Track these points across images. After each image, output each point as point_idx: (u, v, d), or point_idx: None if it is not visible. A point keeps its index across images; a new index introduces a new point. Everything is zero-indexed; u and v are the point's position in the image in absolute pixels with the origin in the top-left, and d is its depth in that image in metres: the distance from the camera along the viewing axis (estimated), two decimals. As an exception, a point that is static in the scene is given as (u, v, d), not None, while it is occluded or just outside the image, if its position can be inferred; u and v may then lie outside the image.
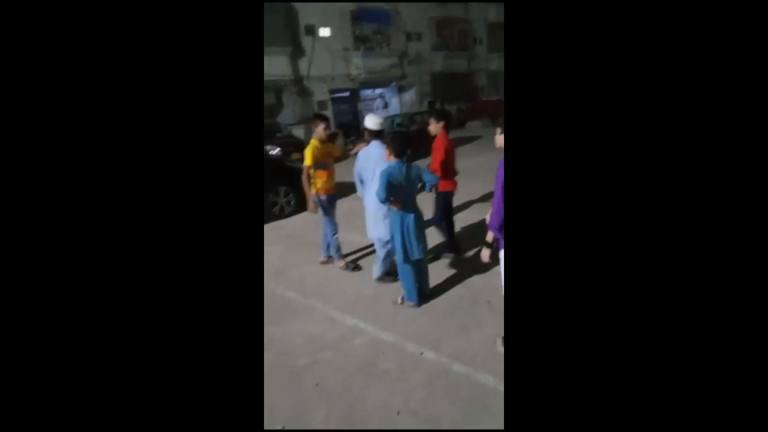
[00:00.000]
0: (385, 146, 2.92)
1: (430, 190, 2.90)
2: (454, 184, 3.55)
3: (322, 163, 3.49)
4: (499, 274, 2.47)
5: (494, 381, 2.07)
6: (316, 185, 3.50)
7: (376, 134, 3.23)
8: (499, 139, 2.17)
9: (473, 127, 16.04)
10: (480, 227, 4.35)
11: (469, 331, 2.54)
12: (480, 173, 6.92)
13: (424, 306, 2.89)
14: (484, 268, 3.34)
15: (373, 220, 3.20)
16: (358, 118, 15.87)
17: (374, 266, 3.39)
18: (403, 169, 2.68)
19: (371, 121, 3.28)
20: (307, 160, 3.44)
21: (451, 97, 18.82)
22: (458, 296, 3.01)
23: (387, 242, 3.09)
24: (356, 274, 3.59)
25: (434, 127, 3.49)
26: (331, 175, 3.58)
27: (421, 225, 2.81)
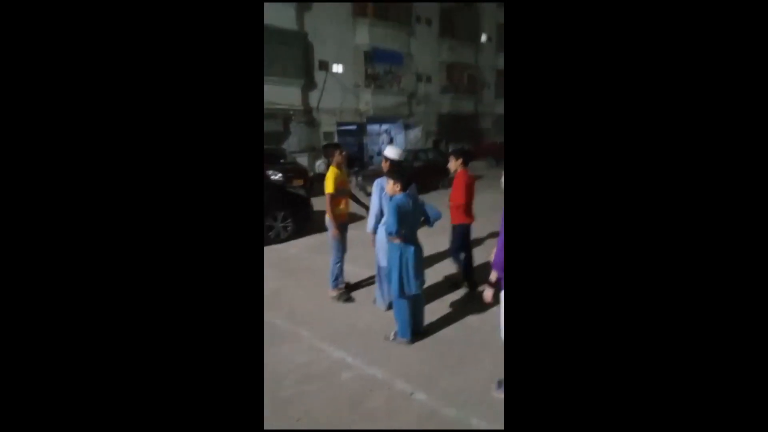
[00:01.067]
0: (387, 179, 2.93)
1: (432, 226, 2.88)
2: (472, 217, 3.61)
3: (339, 190, 3.50)
4: (498, 314, 2.40)
5: (488, 425, 1.95)
6: (330, 212, 3.48)
7: (397, 165, 3.25)
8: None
9: (477, 167, 16.30)
10: (479, 266, 4.29)
11: (463, 371, 2.44)
12: (483, 212, 6.93)
13: (417, 343, 2.79)
14: (481, 307, 3.26)
15: (382, 248, 3.17)
16: (363, 151, 16.16)
17: (377, 295, 3.33)
18: (410, 202, 2.68)
19: (392, 152, 3.32)
20: (329, 188, 3.43)
21: (457, 138, 19.29)
22: (453, 335, 2.91)
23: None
24: (350, 305, 3.50)
25: (453, 165, 3.60)
26: (346, 203, 3.59)
27: (420, 259, 2.77)
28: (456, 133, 19.77)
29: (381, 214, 3.21)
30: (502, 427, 1.93)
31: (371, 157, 17.08)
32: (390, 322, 2.96)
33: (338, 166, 3.52)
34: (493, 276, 2.13)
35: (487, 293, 2.18)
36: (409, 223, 2.67)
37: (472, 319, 3.12)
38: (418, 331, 2.86)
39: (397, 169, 2.77)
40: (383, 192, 3.17)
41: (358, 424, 2.02)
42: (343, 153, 3.56)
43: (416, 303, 2.84)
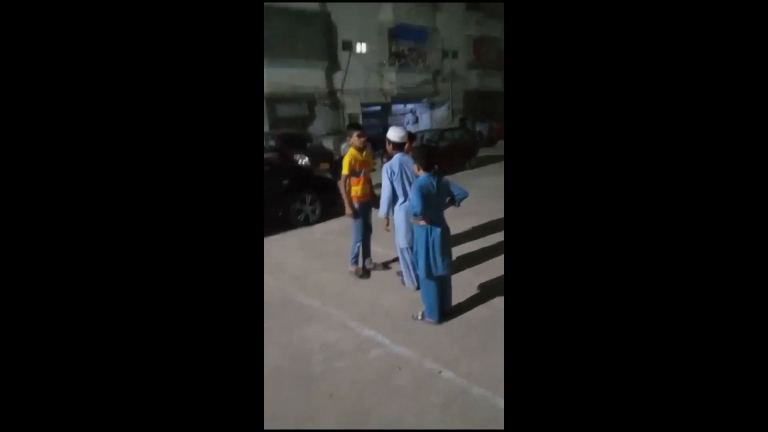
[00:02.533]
0: (412, 160, 2.92)
1: (459, 205, 2.84)
2: None
3: (357, 171, 3.53)
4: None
5: (514, 408, 1.96)
6: (350, 193, 3.53)
7: (399, 147, 3.28)
8: None
9: (503, 146, 15.85)
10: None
11: (488, 352, 2.44)
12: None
13: (445, 324, 2.81)
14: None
15: (401, 229, 3.23)
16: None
17: (405, 277, 3.37)
18: (434, 182, 2.65)
19: (394, 134, 3.33)
20: (345, 169, 3.49)
21: (484, 116, 18.72)
22: (480, 316, 2.91)
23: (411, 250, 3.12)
24: (377, 285, 3.55)
25: None
26: (365, 183, 3.61)
27: (447, 240, 2.75)
28: (483, 110, 19.17)
29: (393, 197, 3.21)
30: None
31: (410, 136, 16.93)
32: (417, 302, 2.99)
33: (356, 148, 3.52)
34: None
35: None
36: (433, 204, 2.64)
37: (498, 301, 3.10)
38: (445, 311, 2.87)
39: (420, 150, 2.73)
40: (394, 175, 3.17)
41: (387, 401, 2.08)
42: (361, 134, 3.54)
43: (443, 284, 2.84)
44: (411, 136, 3.81)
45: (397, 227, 3.28)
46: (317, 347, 2.61)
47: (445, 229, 2.74)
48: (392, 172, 3.19)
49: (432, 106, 18.34)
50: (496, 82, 19.97)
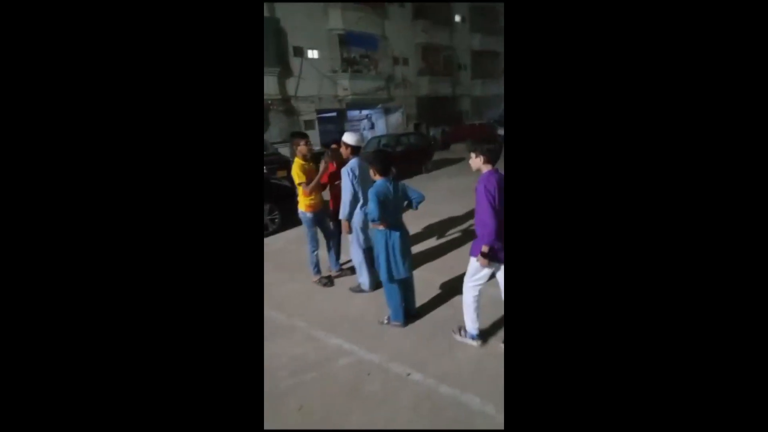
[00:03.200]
0: (367, 164, 2.95)
1: (417, 208, 2.91)
2: None
3: (307, 180, 3.50)
4: (485, 294, 2.50)
5: (480, 403, 2.03)
6: (303, 202, 3.49)
7: (355, 150, 3.34)
8: (475, 162, 2.31)
9: (457, 149, 16.40)
10: (465, 247, 4.38)
11: (455, 351, 2.52)
12: (465, 193, 7.03)
13: (410, 326, 2.85)
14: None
15: (358, 232, 3.31)
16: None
17: (361, 279, 3.37)
18: (390, 186, 2.70)
19: (351, 138, 3.36)
20: (297, 178, 3.45)
21: (436, 121, 19.27)
22: (444, 315, 2.99)
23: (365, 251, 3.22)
24: (341, 293, 3.54)
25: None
26: (316, 193, 3.58)
27: (407, 242, 2.80)
28: (435, 115, 19.73)
29: (354, 198, 3.24)
30: (495, 401, 2.02)
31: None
32: (382, 306, 3.01)
33: (303, 157, 3.51)
34: (485, 248, 2.22)
35: (483, 261, 2.26)
36: (391, 208, 2.68)
37: (460, 299, 3.20)
38: (410, 313, 2.92)
39: (376, 154, 2.77)
40: (353, 177, 3.20)
41: (357, 408, 2.08)
42: (308, 143, 3.55)
43: (406, 286, 2.89)
44: (348, 146, 3.83)
45: (354, 230, 3.32)
46: (284, 361, 2.55)
47: (405, 232, 2.79)
48: (353, 175, 3.20)
49: (387, 111, 18.59)
50: (445, 88, 20.64)
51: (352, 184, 3.20)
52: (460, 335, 2.62)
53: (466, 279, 2.50)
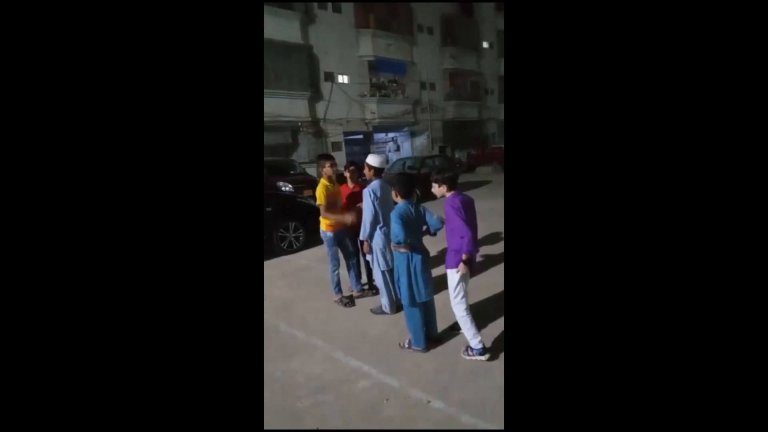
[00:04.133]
0: (390, 187, 2.98)
1: (434, 234, 2.86)
2: None
3: (331, 201, 3.56)
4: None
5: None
6: (324, 222, 3.53)
7: (378, 172, 3.35)
8: (438, 190, 2.59)
9: (483, 172, 16.29)
10: (488, 271, 4.28)
11: (477, 378, 2.42)
12: (489, 216, 6.93)
13: (432, 350, 2.78)
14: (494, 315, 3.24)
15: (379, 253, 3.28)
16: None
17: (384, 300, 3.33)
18: (412, 209, 2.69)
19: (374, 160, 3.40)
20: (320, 200, 3.51)
21: (462, 144, 19.31)
22: (467, 342, 2.89)
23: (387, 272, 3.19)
24: (363, 313, 3.50)
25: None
26: (339, 213, 3.62)
27: (428, 265, 2.77)
28: (461, 139, 19.79)
29: (375, 219, 3.24)
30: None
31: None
32: (403, 329, 2.96)
33: (328, 178, 3.56)
34: (466, 256, 2.42)
35: (462, 267, 2.44)
36: (413, 230, 2.67)
37: (483, 326, 3.10)
38: (432, 337, 2.85)
39: (399, 177, 2.78)
40: (374, 198, 3.21)
41: (375, 433, 2.01)
42: (333, 164, 3.60)
43: (428, 310, 2.83)
44: (355, 166, 3.87)
45: (375, 251, 3.30)
46: (302, 380, 2.53)
47: (426, 255, 2.76)
48: (375, 196, 3.23)
49: (412, 134, 18.84)
50: (471, 112, 20.77)
51: (374, 205, 3.22)
52: (469, 354, 2.61)
53: (450, 297, 2.58)
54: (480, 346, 2.58)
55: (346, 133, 15.61)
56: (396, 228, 2.58)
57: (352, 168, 3.82)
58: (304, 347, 2.97)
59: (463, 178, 12.63)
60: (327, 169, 3.57)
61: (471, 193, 10.06)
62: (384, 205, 3.25)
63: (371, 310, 3.48)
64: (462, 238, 2.40)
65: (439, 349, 2.80)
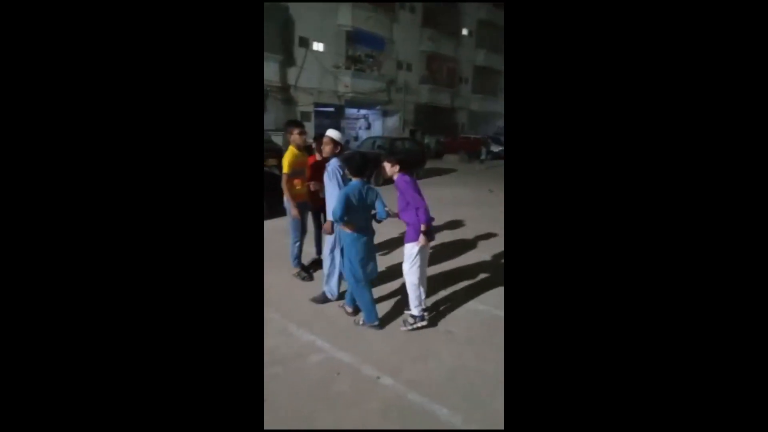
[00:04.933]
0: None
1: (379, 222, 2.84)
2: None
3: (297, 170, 3.46)
4: (463, 306, 2.49)
5: (449, 414, 2.02)
6: (288, 192, 3.44)
7: (340, 148, 3.13)
8: (391, 170, 2.77)
9: (450, 160, 16.53)
10: (446, 252, 4.40)
11: (428, 359, 2.51)
12: (453, 204, 7.08)
13: (385, 329, 2.83)
14: (451, 298, 3.36)
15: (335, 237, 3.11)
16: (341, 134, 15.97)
17: (326, 287, 3.20)
18: (363, 190, 2.68)
19: (336, 134, 3.16)
20: (285, 168, 3.41)
21: (432, 129, 19.38)
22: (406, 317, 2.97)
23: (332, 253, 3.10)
24: (320, 288, 3.49)
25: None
26: (303, 183, 3.54)
27: (373, 246, 2.84)
28: (432, 124, 19.85)
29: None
30: (463, 413, 2.02)
31: (347, 141, 16.92)
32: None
33: (296, 147, 3.45)
34: (423, 227, 2.62)
35: (422, 239, 2.65)
36: (360, 211, 2.68)
37: (438, 307, 3.20)
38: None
39: (352, 156, 2.74)
40: (340, 177, 2.96)
41: (324, 409, 2.04)
42: (303, 132, 3.47)
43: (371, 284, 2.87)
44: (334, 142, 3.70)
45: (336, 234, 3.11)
46: (254, 352, 2.49)
47: (371, 235, 2.81)
48: (342, 172, 2.99)
49: (385, 114, 18.60)
50: (444, 99, 20.81)
51: (339, 185, 2.99)
52: (408, 326, 2.80)
53: (405, 267, 2.75)
54: (421, 313, 2.79)
55: (316, 104, 15.11)
56: (337, 206, 2.57)
57: (325, 139, 3.68)
58: (257, 319, 2.92)
59: (430, 164, 12.75)
60: (296, 137, 3.44)
61: (437, 180, 10.19)
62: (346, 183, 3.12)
63: (312, 300, 3.22)
64: (418, 209, 2.62)
65: (392, 327, 2.87)
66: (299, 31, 14.00)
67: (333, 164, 3.06)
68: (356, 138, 17.45)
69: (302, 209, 3.56)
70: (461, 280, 3.80)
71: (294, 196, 3.46)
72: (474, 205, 7.50)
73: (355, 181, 2.69)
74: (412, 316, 2.80)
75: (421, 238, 2.64)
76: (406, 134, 17.49)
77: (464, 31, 21.95)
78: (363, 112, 18.64)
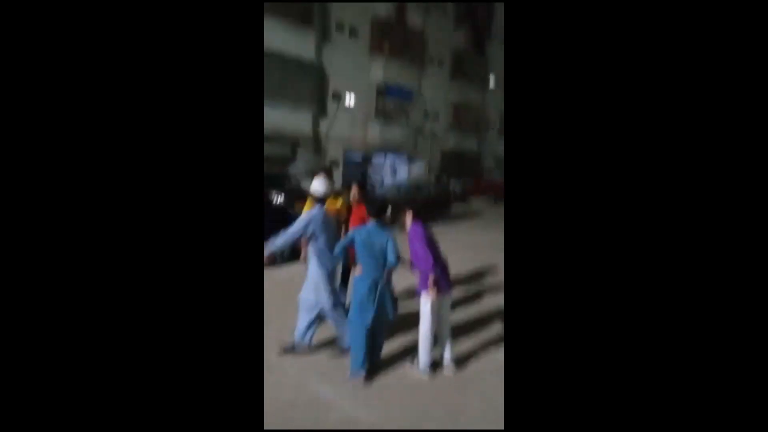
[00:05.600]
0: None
1: (391, 270, 2.79)
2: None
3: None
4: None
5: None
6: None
7: (320, 201, 3.12)
8: (408, 219, 2.87)
9: (476, 204, 16.46)
10: (469, 303, 4.24)
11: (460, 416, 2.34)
12: (478, 250, 6.94)
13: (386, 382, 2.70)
14: (476, 348, 3.19)
15: (313, 285, 3.02)
16: (365, 180, 16.46)
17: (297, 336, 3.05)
18: (374, 233, 2.71)
19: (319, 184, 3.15)
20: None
21: (458, 173, 19.56)
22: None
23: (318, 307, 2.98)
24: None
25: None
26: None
27: (379, 295, 2.71)
28: (458, 169, 20.06)
29: (292, 239, 3.01)
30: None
31: (373, 187, 17.34)
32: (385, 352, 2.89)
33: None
34: (431, 281, 2.66)
35: (433, 292, 2.68)
36: (368, 254, 2.67)
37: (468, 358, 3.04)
38: (372, 361, 2.78)
39: (374, 199, 2.86)
40: (312, 225, 2.93)
41: None
42: (331, 180, 3.54)
43: (375, 337, 2.79)
44: (361, 186, 3.85)
45: (316, 282, 3.00)
46: (271, 408, 2.43)
47: (376, 281, 2.70)
48: (314, 223, 2.94)
49: (410, 160, 19.06)
50: (471, 144, 21.13)
51: (304, 229, 2.95)
52: (411, 365, 2.85)
53: (421, 315, 2.79)
54: (426, 366, 2.78)
55: (346, 152, 15.74)
56: (339, 243, 2.81)
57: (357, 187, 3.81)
58: (276, 368, 2.87)
59: (456, 208, 12.71)
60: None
61: (462, 224, 10.08)
62: (327, 232, 3.00)
63: (283, 349, 3.04)
64: (426, 260, 2.69)
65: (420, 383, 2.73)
66: (333, 86, 14.98)
67: (312, 210, 3.03)
68: (381, 184, 17.85)
69: None
70: (485, 327, 3.63)
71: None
72: (499, 249, 7.31)
73: (369, 223, 2.79)
74: (417, 360, 2.84)
75: (431, 291, 2.67)
76: (432, 179, 17.72)
77: (491, 81, 22.68)
78: (389, 159, 19.19)
